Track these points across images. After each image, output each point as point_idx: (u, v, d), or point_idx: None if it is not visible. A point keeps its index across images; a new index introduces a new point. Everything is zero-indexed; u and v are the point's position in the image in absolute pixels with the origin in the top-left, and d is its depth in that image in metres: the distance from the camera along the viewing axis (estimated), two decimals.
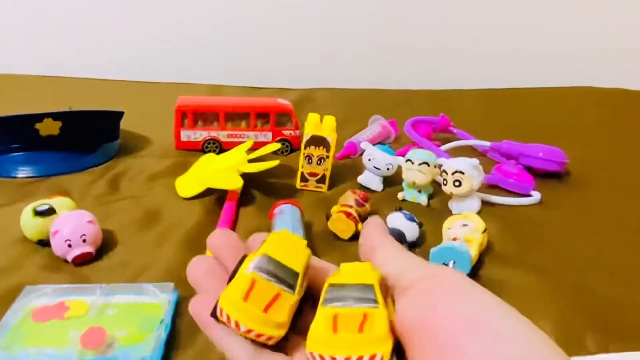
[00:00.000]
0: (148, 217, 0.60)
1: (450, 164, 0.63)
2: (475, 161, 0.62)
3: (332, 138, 0.68)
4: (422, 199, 0.67)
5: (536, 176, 0.73)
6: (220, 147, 0.81)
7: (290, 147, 0.83)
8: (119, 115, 0.79)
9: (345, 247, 0.56)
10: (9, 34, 1.25)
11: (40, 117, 0.67)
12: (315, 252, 0.53)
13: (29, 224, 0.52)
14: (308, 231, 0.58)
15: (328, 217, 0.58)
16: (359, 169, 0.74)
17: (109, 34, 1.27)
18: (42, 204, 0.52)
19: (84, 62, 1.26)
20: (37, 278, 0.47)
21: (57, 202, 0.54)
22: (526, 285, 0.49)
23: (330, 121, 0.69)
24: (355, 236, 0.57)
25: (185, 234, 0.56)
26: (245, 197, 0.66)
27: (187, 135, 0.80)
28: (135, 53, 1.27)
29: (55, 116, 0.68)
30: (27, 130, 0.68)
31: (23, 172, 0.69)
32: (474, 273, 0.50)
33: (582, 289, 0.49)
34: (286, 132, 0.82)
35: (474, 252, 0.50)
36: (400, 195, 0.69)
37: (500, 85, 1.24)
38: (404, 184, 0.69)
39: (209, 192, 0.65)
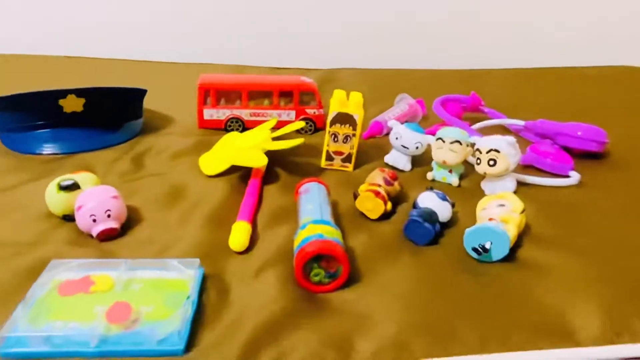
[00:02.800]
0: (172, 194, 0.59)
1: (485, 142, 0.60)
2: (511, 139, 0.59)
3: (358, 115, 0.65)
4: (453, 179, 0.64)
5: (574, 157, 0.69)
6: (243, 126, 0.79)
7: (314, 126, 0.80)
8: (141, 93, 0.78)
9: (374, 227, 0.54)
10: (33, 15, 1.25)
11: (63, 94, 0.67)
12: (342, 232, 0.52)
13: (54, 199, 0.51)
14: (335, 210, 0.56)
15: (355, 195, 0.56)
16: (385, 148, 0.72)
17: (133, 15, 1.26)
18: (67, 179, 0.52)
19: (107, 42, 1.25)
20: (62, 253, 0.47)
21: (81, 177, 0.53)
22: (569, 269, 0.46)
23: (357, 97, 0.66)
24: (384, 216, 0.55)
25: (209, 211, 0.55)
26: (269, 175, 0.65)
27: (209, 113, 0.79)
28: (158, 33, 1.26)
29: (78, 92, 0.68)
30: (51, 107, 0.67)
31: (48, 149, 0.69)
32: (512, 255, 0.48)
33: (628, 273, 0.46)
34: (310, 111, 0.80)
35: (512, 232, 0.47)
36: (429, 175, 0.66)
37: (531, 65, 1.19)
38: (433, 164, 0.66)
39: (232, 169, 0.64)
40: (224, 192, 0.60)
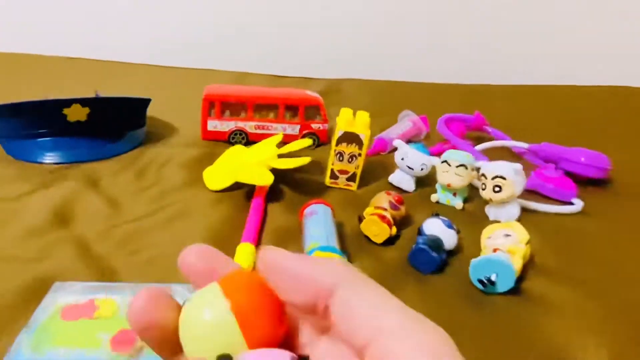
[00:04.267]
0: (176, 210, 0.59)
1: (491, 168, 0.60)
2: (518, 166, 0.59)
3: (365, 135, 0.65)
4: (457, 203, 0.64)
5: (577, 182, 0.69)
6: (247, 139, 0.79)
7: (318, 140, 0.80)
8: (146, 102, 0.77)
9: (378, 252, 0.54)
10: (38, 16, 1.24)
11: (68, 103, 0.66)
12: (348, 256, 0.51)
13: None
14: (339, 231, 0.56)
15: (361, 219, 0.56)
16: (388, 167, 0.71)
17: (137, 18, 1.25)
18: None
19: (111, 45, 1.24)
20: (65, 270, 0.46)
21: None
22: (574, 303, 0.46)
23: (363, 117, 0.66)
24: (390, 240, 0.55)
25: (214, 230, 0.55)
26: (273, 192, 0.64)
27: (213, 125, 0.78)
28: (160, 38, 1.25)
29: (83, 102, 0.67)
30: (55, 116, 0.66)
31: (50, 158, 0.68)
32: (517, 287, 0.48)
33: (633, 308, 0.46)
34: (315, 126, 0.80)
35: (517, 265, 0.47)
36: (433, 198, 0.66)
37: (537, 82, 1.19)
38: (437, 186, 0.66)
39: (236, 185, 0.64)
40: (228, 209, 0.60)
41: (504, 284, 0.46)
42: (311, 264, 0.17)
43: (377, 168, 0.73)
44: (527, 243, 0.50)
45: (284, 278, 0.17)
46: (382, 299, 0.16)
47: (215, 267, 0.19)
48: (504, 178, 0.58)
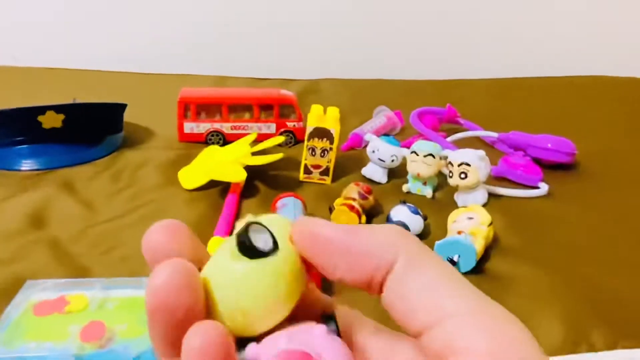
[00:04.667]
0: (150, 209, 0.60)
1: (456, 156, 0.62)
2: (481, 152, 0.61)
3: (335, 130, 0.67)
4: (427, 191, 0.66)
5: (544, 168, 0.71)
6: (224, 139, 0.80)
7: (294, 138, 0.82)
8: (122, 107, 0.78)
9: None
10: (14, 26, 1.25)
11: (42, 110, 0.67)
12: None
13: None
14: None
15: (331, 209, 0.57)
16: (363, 160, 0.73)
17: (113, 26, 1.26)
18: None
19: (88, 54, 1.25)
20: (39, 270, 0.47)
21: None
22: (533, 280, 0.48)
23: (333, 112, 0.68)
24: None
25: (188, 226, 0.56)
26: (248, 189, 0.66)
27: (190, 127, 0.79)
28: (138, 45, 1.26)
29: (57, 109, 0.68)
30: (30, 123, 0.68)
31: (27, 165, 0.69)
32: (479, 267, 0.49)
33: (591, 284, 0.48)
34: (290, 124, 0.81)
35: (479, 245, 0.49)
36: (404, 188, 0.68)
37: (508, 75, 1.22)
38: (408, 176, 0.68)
39: (212, 184, 0.65)
40: (202, 206, 0.61)
41: (466, 264, 0.48)
42: (366, 235, 0.14)
43: (351, 162, 0.75)
44: (490, 225, 0.52)
45: (332, 253, 0.14)
46: (448, 278, 0.14)
47: (182, 247, 0.16)
48: (468, 165, 0.60)
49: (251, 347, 0.14)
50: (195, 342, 0.13)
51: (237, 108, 0.80)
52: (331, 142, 0.68)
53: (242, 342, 0.14)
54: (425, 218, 0.55)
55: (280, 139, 0.72)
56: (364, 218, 0.56)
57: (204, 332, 0.13)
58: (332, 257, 0.14)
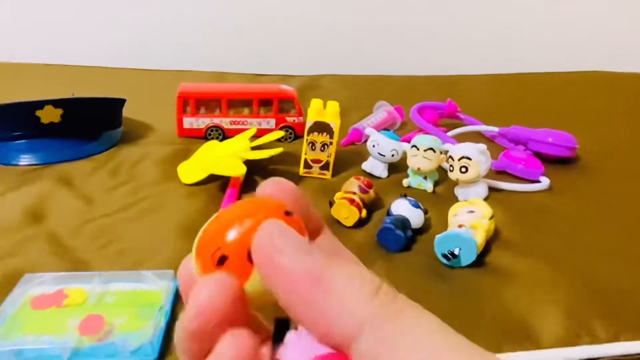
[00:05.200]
0: (150, 204, 0.60)
1: (457, 150, 0.61)
2: (482, 146, 0.60)
3: (335, 124, 0.67)
4: (428, 186, 0.66)
5: (545, 162, 0.71)
6: (224, 134, 0.80)
7: (294, 133, 0.81)
8: (121, 102, 0.78)
9: (349, 234, 0.55)
10: (12, 23, 1.24)
11: (40, 105, 0.67)
12: None
13: None
14: None
15: (331, 204, 0.57)
16: (363, 155, 0.73)
17: (112, 21, 1.25)
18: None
19: (87, 49, 1.25)
20: (37, 264, 0.47)
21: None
22: (534, 273, 0.48)
23: (333, 107, 0.67)
24: (359, 223, 0.56)
25: (186, 221, 0.56)
26: (248, 184, 0.65)
27: (189, 122, 0.79)
28: (138, 40, 1.26)
29: (55, 103, 0.68)
30: (28, 118, 0.67)
31: (25, 160, 0.68)
32: (480, 260, 0.49)
33: (592, 277, 0.48)
34: (289, 119, 0.81)
35: (480, 239, 0.48)
36: (405, 182, 0.67)
37: (509, 70, 1.22)
38: (409, 171, 0.67)
39: (211, 178, 0.65)
40: (201, 201, 0.61)
41: (467, 257, 0.47)
42: (326, 290, 0.12)
43: (352, 157, 0.74)
44: (491, 218, 0.51)
45: (287, 292, 0.13)
46: (424, 345, 0.12)
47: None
48: (469, 158, 0.60)
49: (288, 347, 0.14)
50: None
51: (237, 103, 0.79)
52: (331, 137, 0.67)
53: (277, 334, 0.14)
54: (425, 212, 0.55)
55: (280, 133, 0.72)
56: (364, 212, 0.56)
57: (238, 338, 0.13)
58: (292, 300, 0.13)
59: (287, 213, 0.15)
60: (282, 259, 0.13)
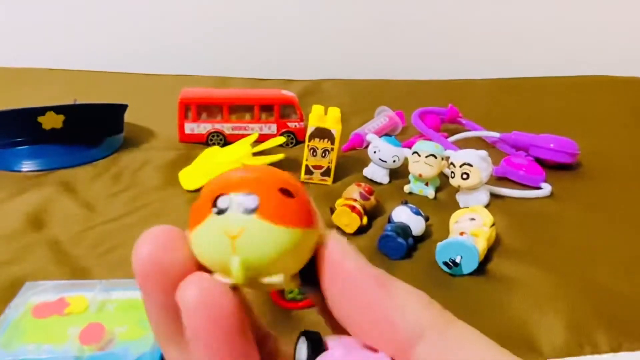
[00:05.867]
0: (151, 210, 0.60)
1: (458, 156, 0.61)
2: (483, 153, 0.60)
3: (336, 130, 0.67)
4: (429, 192, 0.66)
5: (546, 168, 0.71)
6: (225, 140, 0.80)
7: (295, 139, 0.81)
8: (122, 108, 0.78)
9: (350, 241, 0.55)
10: (14, 28, 1.25)
11: (42, 111, 0.67)
12: None
13: None
14: None
15: (332, 210, 0.57)
16: (364, 161, 0.73)
17: (113, 27, 1.26)
18: None
19: (89, 54, 1.25)
20: (38, 272, 0.47)
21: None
22: (536, 281, 0.48)
23: (334, 113, 0.67)
24: (360, 230, 0.56)
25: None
26: None
27: (191, 127, 0.79)
28: (139, 45, 1.26)
29: (57, 109, 0.68)
30: (30, 124, 0.67)
31: (27, 166, 0.68)
32: (482, 268, 0.49)
33: (595, 285, 0.48)
34: (291, 124, 0.81)
35: (481, 246, 0.48)
36: (406, 188, 0.67)
37: (510, 75, 1.22)
38: (410, 177, 0.67)
39: None
40: None
41: (469, 265, 0.47)
42: (391, 294, 0.13)
43: (353, 163, 0.74)
44: (492, 226, 0.51)
45: (351, 295, 0.13)
46: (480, 355, 0.12)
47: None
48: (470, 165, 0.60)
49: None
50: (190, 294, 0.12)
51: (238, 108, 0.79)
52: (332, 143, 0.67)
53: (313, 348, 0.13)
54: (427, 219, 0.55)
55: (281, 139, 0.72)
56: (365, 219, 0.56)
57: (198, 281, 0.12)
58: (355, 304, 0.13)
59: (284, 191, 0.13)
60: (351, 264, 0.13)
